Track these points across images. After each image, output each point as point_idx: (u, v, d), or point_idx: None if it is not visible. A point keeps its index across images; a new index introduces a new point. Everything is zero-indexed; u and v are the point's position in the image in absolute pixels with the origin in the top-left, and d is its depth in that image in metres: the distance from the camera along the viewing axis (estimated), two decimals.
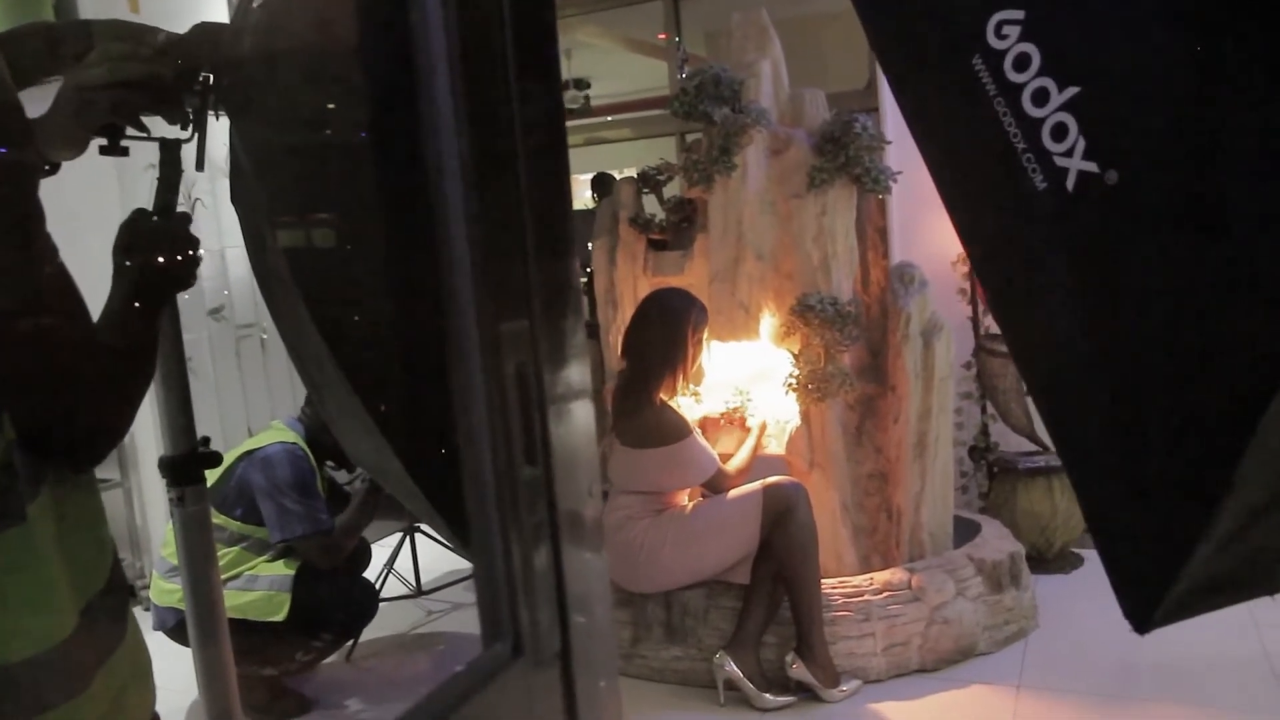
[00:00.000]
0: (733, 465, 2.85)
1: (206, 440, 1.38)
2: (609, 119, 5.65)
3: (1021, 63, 0.99)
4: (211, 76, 1.15)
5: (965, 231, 1.07)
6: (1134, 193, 0.92)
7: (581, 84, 7.89)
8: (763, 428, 2.99)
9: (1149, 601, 0.98)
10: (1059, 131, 0.97)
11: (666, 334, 2.79)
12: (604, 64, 7.66)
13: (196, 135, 1.25)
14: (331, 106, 1.05)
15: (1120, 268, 0.95)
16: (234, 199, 1.31)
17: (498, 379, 0.65)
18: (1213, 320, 0.87)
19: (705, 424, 3.12)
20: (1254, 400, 0.83)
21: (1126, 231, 0.94)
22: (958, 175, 1.07)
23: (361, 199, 0.96)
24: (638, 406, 2.77)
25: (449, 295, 0.65)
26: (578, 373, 0.73)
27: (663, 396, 2.78)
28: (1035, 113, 0.98)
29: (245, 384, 4.33)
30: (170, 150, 1.17)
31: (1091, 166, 0.94)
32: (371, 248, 1.01)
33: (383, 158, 0.87)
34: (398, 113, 0.72)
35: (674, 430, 2.74)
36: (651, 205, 3.41)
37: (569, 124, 4.95)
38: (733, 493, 2.77)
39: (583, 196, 6.96)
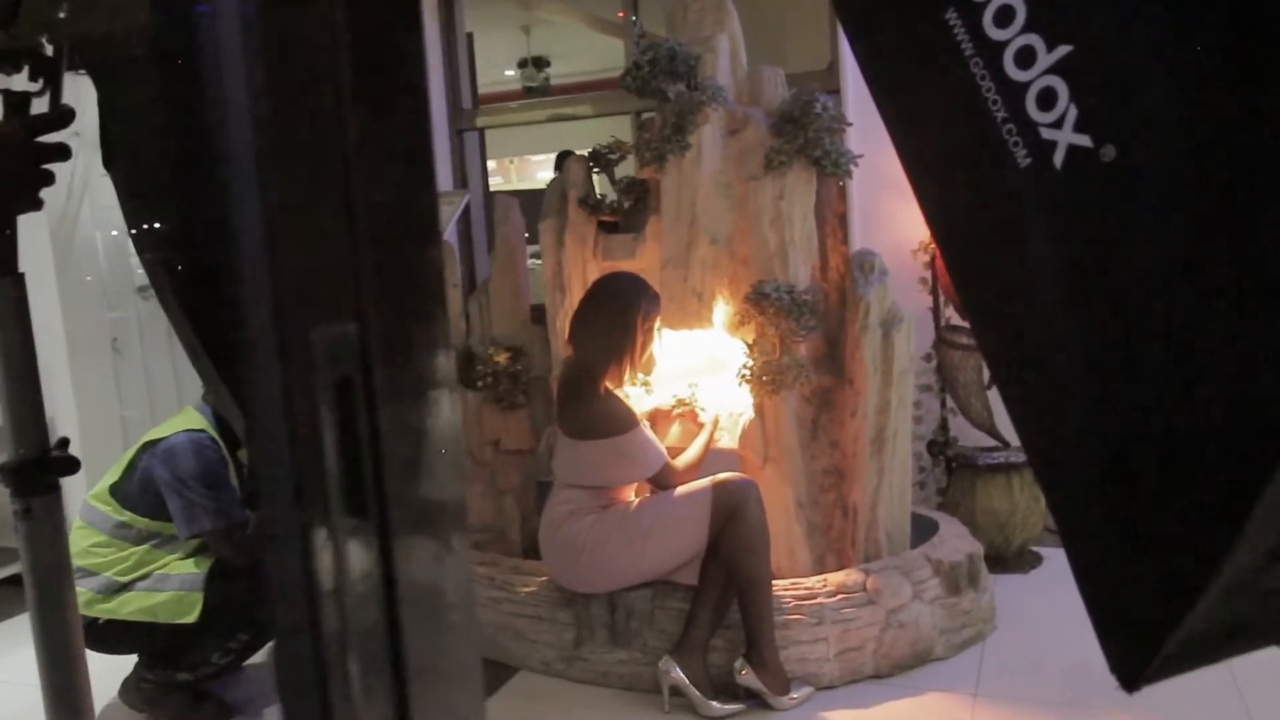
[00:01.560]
0: (682, 461, 2.71)
1: (65, 442, 1.20)
2: (569, 97, 5.47)
3: (1004, 17, 0.83)
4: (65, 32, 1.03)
5: (932, 213, 0.90)
6: (1134, 172, 0.76)
7: (541, 62, 7.66)
8: (715, 423, 2.85)
9: (1143, 653, 0.82)
10: (1046, 98, 0.80)
11: (614, 320, 2.63)
12: (564, 42, 7.43)
13: (49, 90, 1.13)
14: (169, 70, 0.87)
15: (1115, 261, 0.79)
16: (105, 164, 1.15)
17: (307, 397, 0.47)
18: (1227, 327, 0.72)
19: (655, 416, 2.97)
20: (1277, 421, 0.68)
21: (1124, 218, 0.78)
22: (925, 147, 0.90)
23: (190, 173, 0.78)
24: (581, 396, 2.61)
25: (240, 291, 0.47)
26: (436, 388, 0.55)
27: (609, 386, 2.63)
28: (1019, 76, 0.81)
29: (176, 365, 4.09)
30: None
31: (1084, 140, 0.78)
32: (203, 228, 0.83)
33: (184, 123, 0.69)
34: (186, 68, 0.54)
35: (619, 422, 2.59)
36: (604, 186, 3.25)
37: (527, 101, 4.72)
38: (681, 489, 2.62)
39: (545, 176, 6.74)
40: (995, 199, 0.84)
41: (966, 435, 3.61)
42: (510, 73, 7.92)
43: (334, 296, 0.49)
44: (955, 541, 2.95)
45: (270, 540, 0.48)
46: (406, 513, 0.51)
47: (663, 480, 2.64)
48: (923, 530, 3.02)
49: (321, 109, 0.50)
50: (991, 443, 3.55)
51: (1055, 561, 3.40)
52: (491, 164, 5.39)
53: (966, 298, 0.93)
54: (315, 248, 0.49)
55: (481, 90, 4.87)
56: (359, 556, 0.50)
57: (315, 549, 0.48)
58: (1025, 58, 0.81)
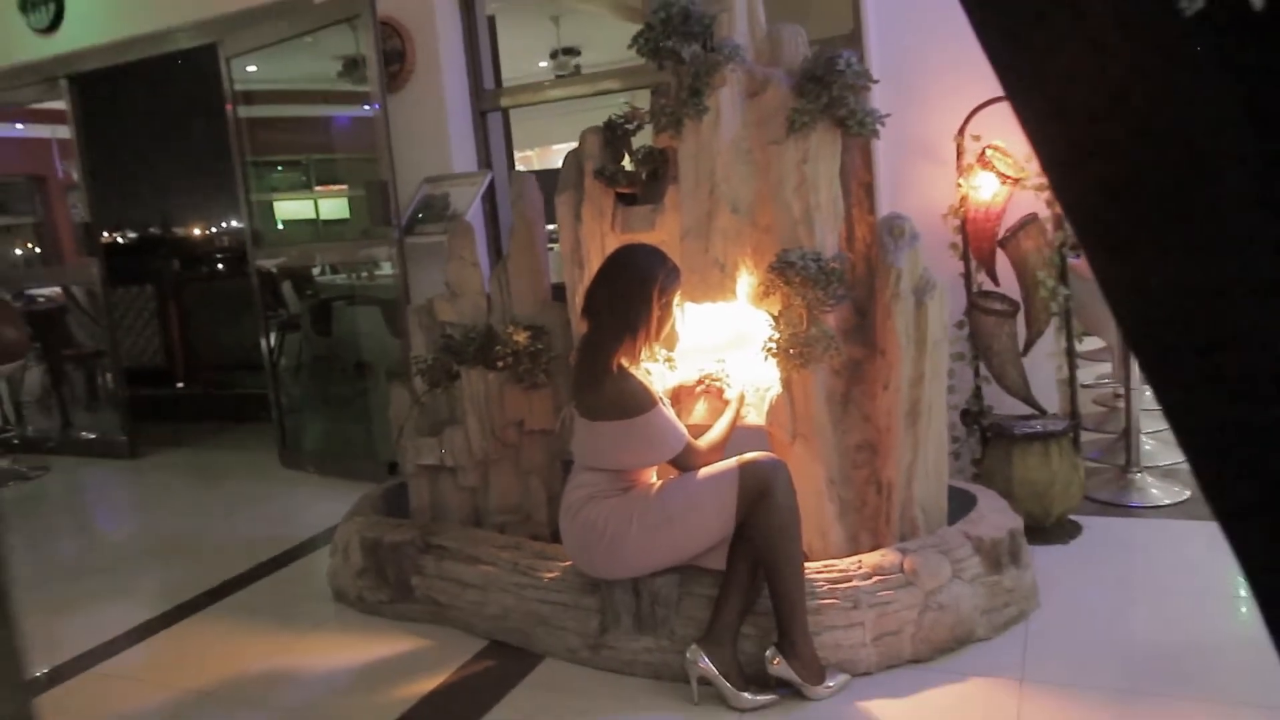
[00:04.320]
0: (706, 440, 2.34)
1: None
2: (592, 74, 5.11)
3: None
4: None
5: (1038, 97, 0.52)
6: None
7: (571, 51, 7.27)
8: (740, 399, 2.48)
9: None
10: None
11: (630, 293, 2.27)
12: (594, 31, 7.03)
13: None
14: None
15: None
16: None
17: None
18: None
19: (679, 393, 2.62)
20: None
21: None
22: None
23: None
24: (595, 374, 2.26)
25: None
26: None
27: (624, 363, 2.27)
28: None
29: None
30: None
31: None
32: None
33: None
34: None
35: (635, 401, 2.23)
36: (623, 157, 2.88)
37: (549, 81, 4.35)
38: (705, 470, 2.26)
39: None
40: (1149, 58, 0.46)
41: (1001, 404, 3.21)
42: (544, 64, 7.55)
43: None
44: (995, 516, 2.56)
45: None
46: None
47: (685, 462, 2.29)
48: (959, 504, 2.63)
49: None
50: (1027, 410, 3.14)
51: (1095, 530, 2.99)
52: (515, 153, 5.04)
53: (1087, 215, 0.54)
54: None
55: (514, 83, 4.53)
56: None
57: None
58: None
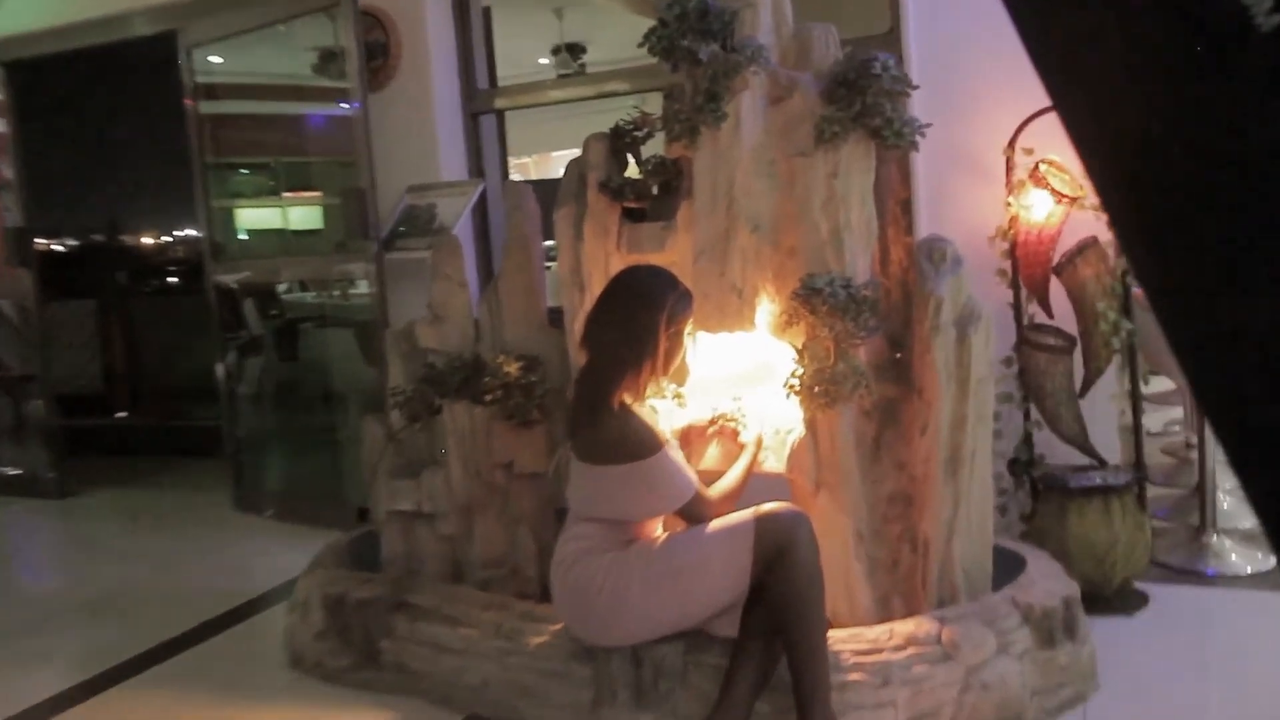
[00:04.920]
0: (718, 489, 2.37)
1: None
2: (597, 75, 5.19)
3: None
4: None
5: (1093, 116, 0.57)
6: None
7: (575, 49, 7.38)
8: (758, 443, 2.51)
9: None
10: None
11: (635, 321, 2.31)
12: (601, 26, 7.15)
13: None
14: None
15: None
16: None
17: None
18: None
19: (689, 434, 2.65)
20: None
21: None
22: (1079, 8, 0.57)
23: None
24: (594, 412, 2.30)
25: None
26: None
27: (626, 400, 2.30)
28: None
29: None
30: None
31: None
32: None
33: None
34: None
35: (640, 443, 2.26)
36: (633, 168, 2.93)
37: (550, 80, 4.43)
38: (717, 523, 2.29)
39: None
40: (1210, 80, 0.50)
41: (1054, 452, 3.22)
42: (544, 60, 7.66)
43: None
44: (1047, 581, 2.57)
45: None
46: None
47: (695, 512, 2.31)
48: (1006, 567, 2.64)
49: None
50: (1085, 460, 3.16)
51: (1164, 601, 2.99)
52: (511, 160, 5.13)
53: (1146, 243, 0.58)
54: None
55: (512, 82, 4.61)
56: None
57: None
58: None
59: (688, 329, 2.44)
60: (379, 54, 4.25)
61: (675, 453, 2.34)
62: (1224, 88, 0.52)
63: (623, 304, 2.35)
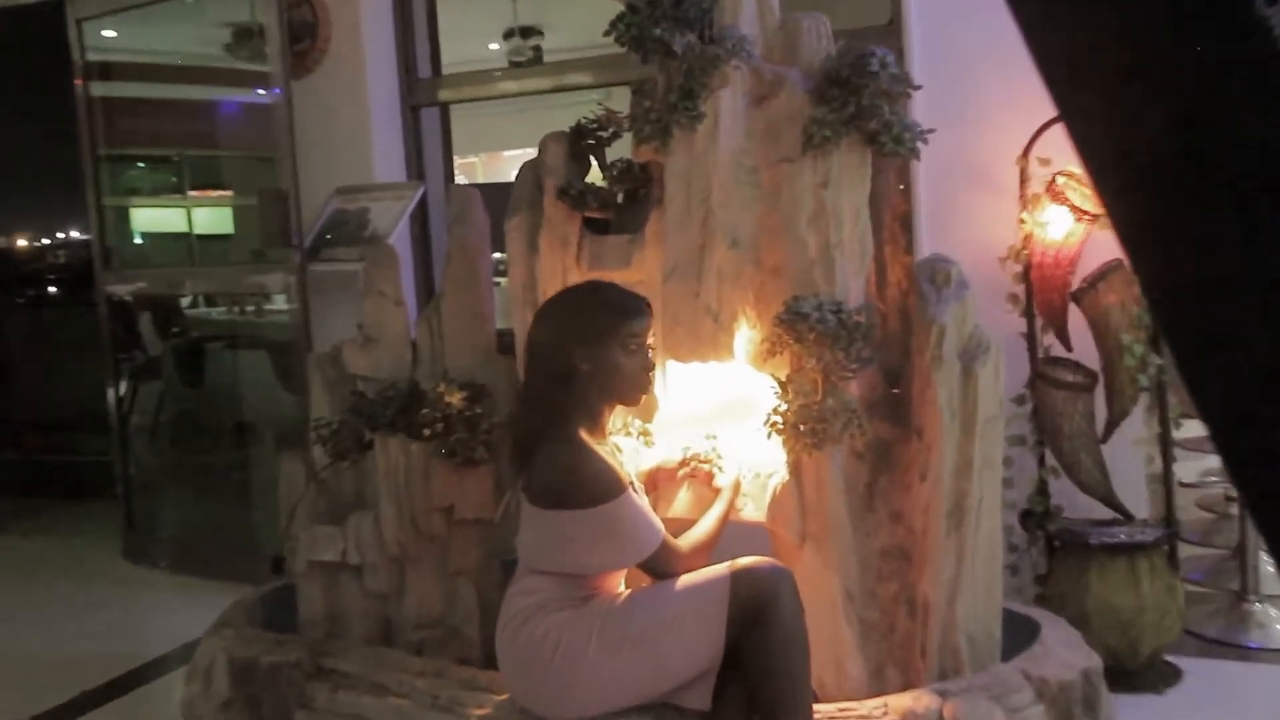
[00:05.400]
0: (689, 539, 2.42)
1: None
2: (557, 64, 5.27)
3: None
4: None
5: (1098, 123, 0.67)
6: None
7: (530, 32, 7.49)
8: (736, 488, 2.57)
9: None
10: None
11: (573, 343, 2.38)
12: (561, 8, 7.26)
13: None
14: None
15: None
16: None
17: None
18: None
19: (657, 477, 2.72)
20: None
21: None
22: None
23: None
24: (538, 444, 2.37)
25: None
26: None
27: (583, 434, 2.36)
28: None
29: None
30: None
31: None
32: None
33: None
34: None
35: (597, 485, 2.31)
36: (595, 172, 3.01)
37: (502, 70, 4.49)
38: (687, 578, 2.34)
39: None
40: (1222, 81, 0.59)
41: (1074, 503, 3.31)
42: (495, 46, 7.76)
43: None
44: (1064, 651, 2.65)
45: None
46: None
47: (661, 566, 2.36)
48: (1018, 634, 2.72)
49: None
50: (1108, 513, 3.25)
51: (1199, 676, 3.07)
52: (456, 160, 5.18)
53: (1157, 274, 0.68)
54: None
55: (457, 69, 4.68)
56: None
57: None
58: None
59: (652, 352, 2.49)
60: (306, 35, 4.31)
61: (639, 498, 2.39)
62: (1234, 91, 0.60)
63: (560, 321, 2.43)
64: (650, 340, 2.50)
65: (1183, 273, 0.65)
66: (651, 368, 2.49)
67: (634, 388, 2.44)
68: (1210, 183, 0.63)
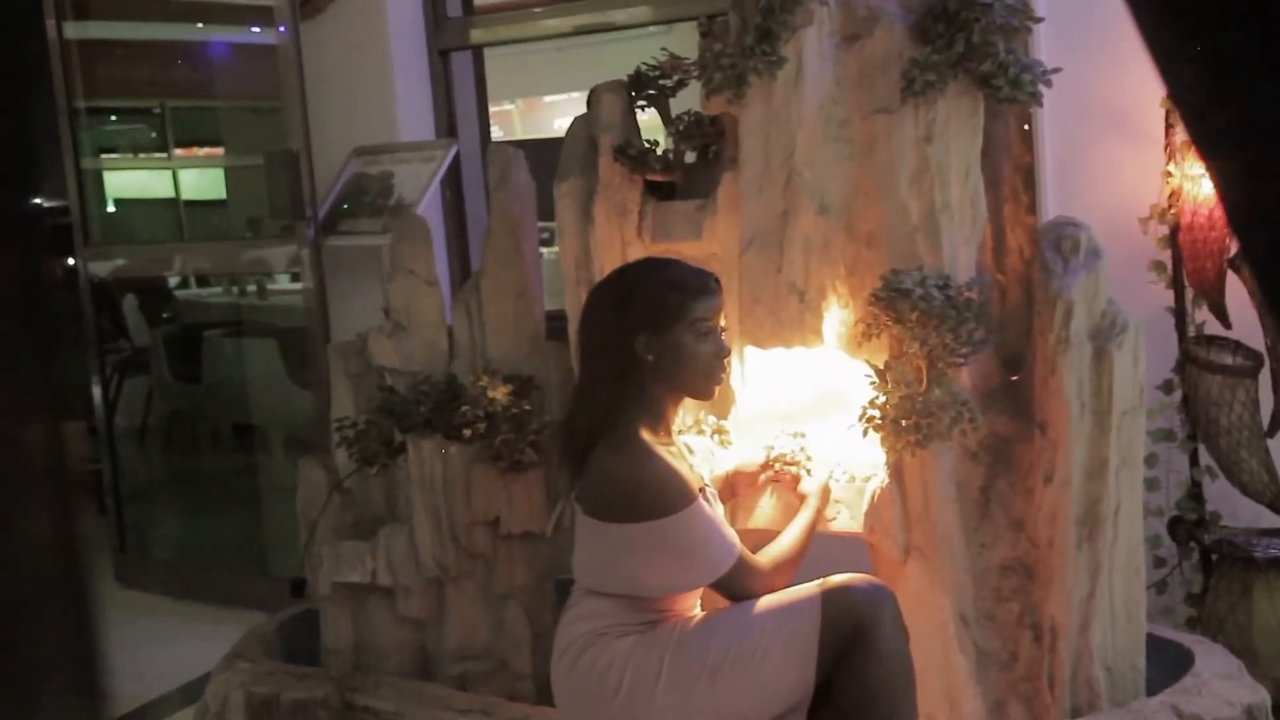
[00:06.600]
0: (770, 555, 2.53)
1: None
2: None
3: None
4: None
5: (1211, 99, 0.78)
6: None
7: None
8: (825, 495, 2.68)
9: None
10: None
11: (631, 324, 2.50)
12: None
13: None
14: None
15: None
16: None
17: None
18: None
19: (735, 482, 2.82)
20: None
21: None
22: None
23: None
24: (599, 451, 2.48)
25: None
26: None
27: (645, 435, 2.47)
28: None
29: None
30: None
31: None
32: None
33: None
34: None
35: (661, 494, 2.43)
36: (655, 128, 3.12)
37: (556, 21, 4.61)
38: (770, 599, 2.45)
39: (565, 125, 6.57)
40: None
41: (1234, 510, 3.37)
42: None
43: None
44: (1222, 685, 2.71)
45: None
46: None
47: (739, 586, 2.47)
48: (1166, 664, 2.80)
49: None
50: (1277, 521, 3.30)
51: None
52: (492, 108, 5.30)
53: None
54: None
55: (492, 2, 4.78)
56: None
57: None
58: None
59: (724, 337, 2.58)
60: None
61: (712, 507, 2.50)
62: None
63: (611, 309, 2.55)
64: (723, 323, 2.60)
65: None
66: (725, 354, 2.58)
67: (705, 378, 2.55)
68: None
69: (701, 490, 2.50)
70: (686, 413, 2.71)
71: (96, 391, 5.13)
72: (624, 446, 2.47)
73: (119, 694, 3.89)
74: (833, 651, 2.38)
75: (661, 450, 2.49)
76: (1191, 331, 3.38)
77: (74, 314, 5.14)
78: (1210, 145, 0.78)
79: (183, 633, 4.43)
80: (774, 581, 2.49)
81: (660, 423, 2.54)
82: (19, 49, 0.70)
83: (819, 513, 2.66)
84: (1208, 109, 0.76)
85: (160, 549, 5.17)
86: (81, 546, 0.90)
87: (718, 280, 2.60)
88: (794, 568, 2.55)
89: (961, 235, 2.71)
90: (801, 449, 2.79)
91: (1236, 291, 3.31)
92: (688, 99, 3.08)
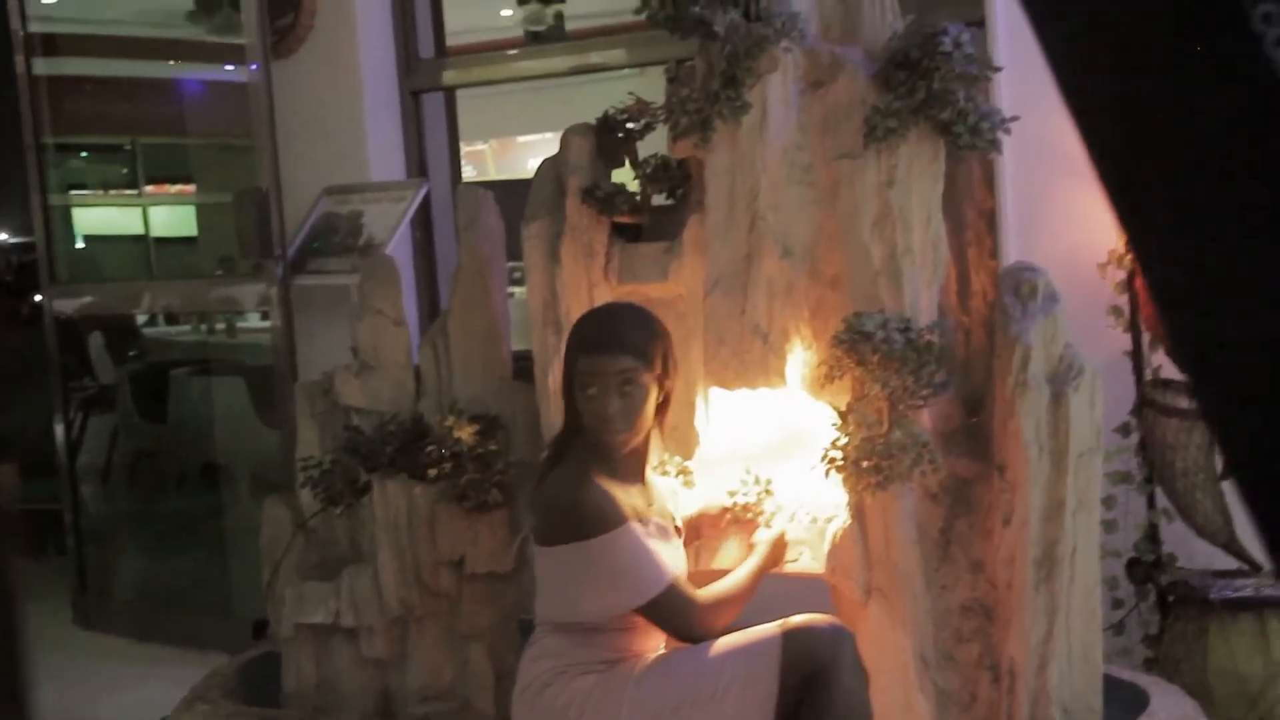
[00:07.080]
0: (712, 591, 2.56)
1: None
2: (583, 43, 5.41)
3: None
4: None
5: (1114, 155, 0.82)
6: None
7: None
8: (778, 544, 2.71)
9: None
10: None
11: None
12: None
13: None
14: None
15: None
16: None
17: None
18: None
19: (701, 523, 2.84)
20: None
21: None
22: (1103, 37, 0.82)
23: None
24: (544, 475, 2.60)
25: None
26: None
27: (595, 470, 2.52)
28: None
29: None
30: None
31: None
32: None
33: None
34: None
35: (589, 516, 2.47)
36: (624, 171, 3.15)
37: (529, 63, 4.60)
38: (730, 639, 2.47)
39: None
40: (1230, 114, 0.75)
41: (1190, 552, 3.41)
42: (507, 12, 7.93)
43: None
44: None
45: None
46: None
47: (669, 615, 2.49)
48: (1123, 705, 2.83)
49: None
50: (1232, 563, 3.35)
51: None
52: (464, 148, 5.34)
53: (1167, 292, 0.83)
54: None
55: (466, 39, 4.82)
56: None
57: None
58: None
59: (604, 392, 2.51)
60: (289, 8, 4.46)
61: (639, 533, 2.49)
62: (1228, 96, 0.75)
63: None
64: (625, 376, 2.51)
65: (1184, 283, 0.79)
66: (602, 413, 2.51)
67: (596, 431, 2.55)
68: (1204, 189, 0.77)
69: (638, 518, 2.51)
70: (654, 453, 2.73)
71: (59, 430, 5.10)
72: (565, 474, 2.54)
73: None
74: (794, 692, 2.40)
75: (604, 480, 2.52)
76: (1149, 375, 3.43)
77: (37, 352, 5.13)
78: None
79: (144, 675, 4.39)
80: (712, 619, 2.51)
81: (610, 461, 2.57)
82: None
83: (765, 559, 2.68)
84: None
85: (122, 590, 5.14)
86: (7, 581, 0.91)
87: (652, 334, 2.59)
88: (735, 609, 2.57)
89: (923, 278, 2.75)
90: (762, 493, 2.81)
91: None
92: (657, 142, 3.11)
